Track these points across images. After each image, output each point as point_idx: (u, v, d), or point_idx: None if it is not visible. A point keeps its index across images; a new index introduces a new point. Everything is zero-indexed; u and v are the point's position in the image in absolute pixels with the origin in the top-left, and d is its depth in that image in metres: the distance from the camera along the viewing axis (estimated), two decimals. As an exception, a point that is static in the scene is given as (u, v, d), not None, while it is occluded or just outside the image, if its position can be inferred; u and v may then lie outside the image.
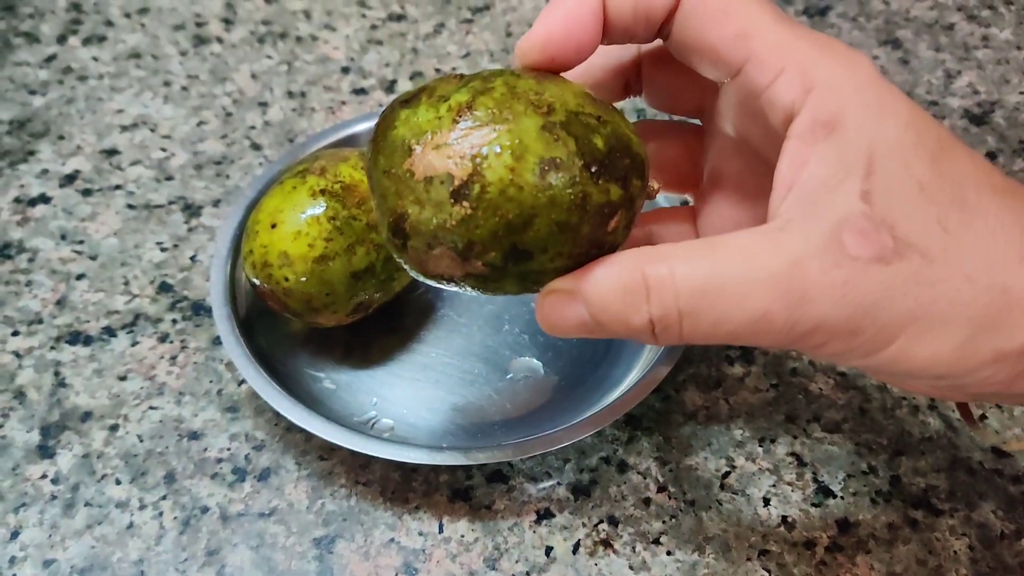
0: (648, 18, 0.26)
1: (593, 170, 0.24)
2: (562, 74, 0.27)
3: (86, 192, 0.45)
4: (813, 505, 0.34)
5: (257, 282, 0.35)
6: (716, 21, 0.25)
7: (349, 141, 0.43)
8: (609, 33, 0.26)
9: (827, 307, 0.22)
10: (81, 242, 0.43)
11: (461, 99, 0.24)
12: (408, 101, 0.26)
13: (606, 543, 0.33)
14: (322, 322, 0.36)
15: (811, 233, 0.23)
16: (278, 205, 0.35)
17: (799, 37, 0.24)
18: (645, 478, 0.35)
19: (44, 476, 0.35)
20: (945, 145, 0.24)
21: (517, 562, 0.33)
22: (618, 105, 0.29)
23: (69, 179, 0.46)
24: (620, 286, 0.24)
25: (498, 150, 0.23)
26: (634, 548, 0.33)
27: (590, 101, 0.25)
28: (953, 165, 0.23)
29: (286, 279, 0.34)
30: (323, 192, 0.35)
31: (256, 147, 0.47)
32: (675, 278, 0.23)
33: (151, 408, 0.37)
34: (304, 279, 0.34)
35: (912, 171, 0.23)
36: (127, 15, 0.55)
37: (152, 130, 0.48)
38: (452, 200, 0.24)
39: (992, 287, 0.23)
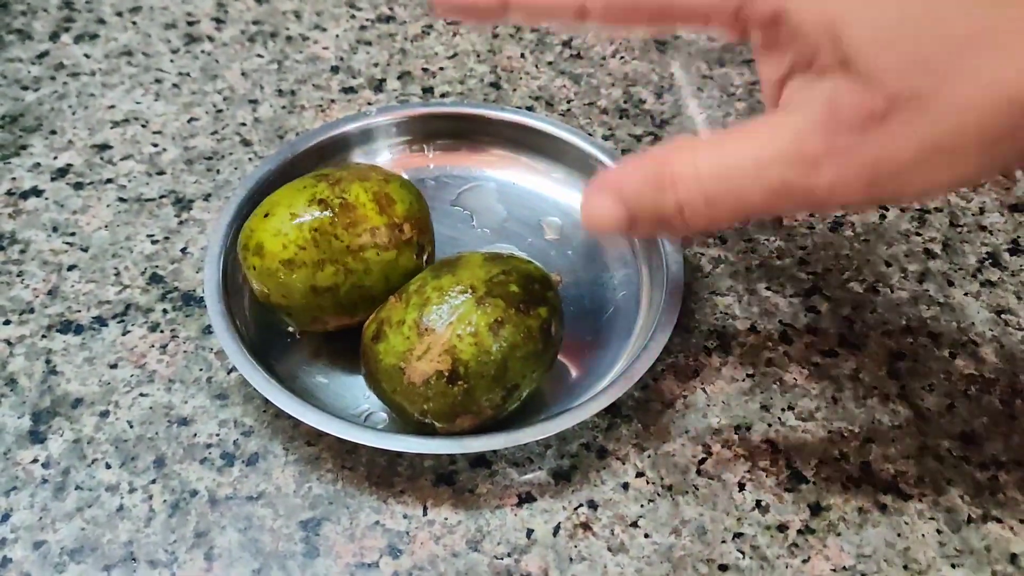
0: None
1: (522, 308, 0.33)
2: None
3: (78, 185, 0.46)
4: (786, 490, 0.35)
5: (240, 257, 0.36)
6: None
7: (340, 140, 0.44)
8: None
9: (838, 171, 0.25)
10: (73, 234, 0.44)
11: (413, 316, 0.33)
12: (376, 337, 0.34)
13: (585, 526, 0.34)
14: (287, 322, 0.38)
15: (808, 109, 0.25)
16: (280, 198, 0.36)
17: None
18: (624, 464, 0.36)
19: (35, 460, 0.36)
20: None
21: (499, 544, 0.34)
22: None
23: (61, 173, 0.46)
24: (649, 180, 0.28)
25: (460, 334, 0.32)
26: (612, 531, 0.34)
27: (493, 263, 0.34)
28: None
29: (253, 268, 0.35)
30: (320, 202, 0.35)
31: (246, 143, 0.48)
32: (697, 167, 0.27)
33: (141, 395, 0.38)
34: (266, 274, 0.35)
35: (881, 17, 0.24)
36: (119, 13, 0.55)
37: (143, 126, 0.49)
38: (449, 384, 0.32)
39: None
